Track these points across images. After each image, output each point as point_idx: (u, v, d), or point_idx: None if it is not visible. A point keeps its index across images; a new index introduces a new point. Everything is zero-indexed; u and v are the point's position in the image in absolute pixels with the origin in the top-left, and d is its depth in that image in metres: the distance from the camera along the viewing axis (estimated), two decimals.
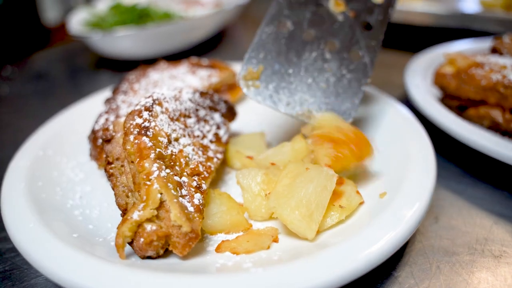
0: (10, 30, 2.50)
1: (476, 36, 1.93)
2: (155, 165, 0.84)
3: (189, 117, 1.09)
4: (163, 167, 0.86)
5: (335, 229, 0.90)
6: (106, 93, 1.47)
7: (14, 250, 0.99)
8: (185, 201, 0.85)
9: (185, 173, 0.92)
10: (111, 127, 1.06)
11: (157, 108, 0.98)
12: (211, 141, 1.09)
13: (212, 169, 1.01)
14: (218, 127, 1.16)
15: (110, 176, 0.94)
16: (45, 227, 0.86)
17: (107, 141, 0.99)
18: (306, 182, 0.90)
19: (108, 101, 1.30)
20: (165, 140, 0.93)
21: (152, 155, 0.85)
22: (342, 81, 1.15)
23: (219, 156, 1.07)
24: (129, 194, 0.90)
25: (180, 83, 1.36)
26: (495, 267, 0.90)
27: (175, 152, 0.94)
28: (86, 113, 1.37)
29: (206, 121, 1.14)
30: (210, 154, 1.05)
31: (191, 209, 0.84)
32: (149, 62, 1.70)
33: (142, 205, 0.80)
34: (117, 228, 0.81)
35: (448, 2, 2.23)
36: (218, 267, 0.81)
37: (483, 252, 0.94)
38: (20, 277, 0.93)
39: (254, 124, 1.39)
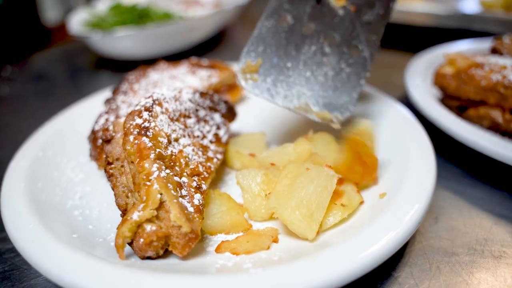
0: (10, 30, 2.49)
1: (476, 36, 1.93)
2: (155, 165, 0.84)
3: (189, 117, 1.09)
4: (163, 167, 0.86)
5: (335, 229, 0.90)
6: (106, 93, 1.47)
7: (13, 250, 0.99)
8: (185, 202, 0.85)
9: (185, 174, 0.92)
10: (111, 128, 1.06)
11: (157, 109, 0.98)
12: (211, 142, 1.09)
13: (212, 169, 1.01)
14: (218, 128, 1.16)
15: (110, 176, 0.94)
16: (45, 228, 0.86)
17: (107, 141, 0.99)
18: (307, 182, 0.90)
19: (108, 101, 1.30)
20: (165, 141, 0.93)
21: (152, 156, 0.85)
22: (340, 75, 1.15)
23: (219, 156, 1.07)
24: (129, 194, 0.90)
25: (180, 84, 1.36)
26: (495, 268, 0.90)
27: (175, 153, 0.94)
28: (86, 113, 1.37)
29: (206, 121, 1.14)
30: (210, 154, 1.05)
31: (191, 209, 0.84)
32: (149, 62, 1.70)
33: (142, 205, 0.80)
34: (117, 228, 0.81)
35: (448, 2, 2.23)
36: (218, 267, 0.81)
37: (483, 252, 0.94)
38: (19, 277, 0.93)
39: (254, 124, 1.39)
